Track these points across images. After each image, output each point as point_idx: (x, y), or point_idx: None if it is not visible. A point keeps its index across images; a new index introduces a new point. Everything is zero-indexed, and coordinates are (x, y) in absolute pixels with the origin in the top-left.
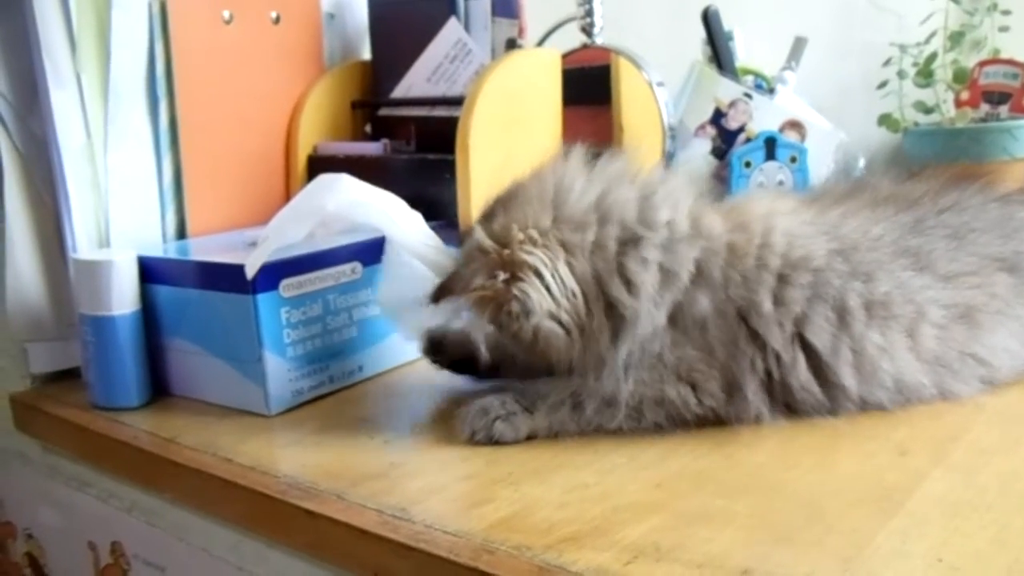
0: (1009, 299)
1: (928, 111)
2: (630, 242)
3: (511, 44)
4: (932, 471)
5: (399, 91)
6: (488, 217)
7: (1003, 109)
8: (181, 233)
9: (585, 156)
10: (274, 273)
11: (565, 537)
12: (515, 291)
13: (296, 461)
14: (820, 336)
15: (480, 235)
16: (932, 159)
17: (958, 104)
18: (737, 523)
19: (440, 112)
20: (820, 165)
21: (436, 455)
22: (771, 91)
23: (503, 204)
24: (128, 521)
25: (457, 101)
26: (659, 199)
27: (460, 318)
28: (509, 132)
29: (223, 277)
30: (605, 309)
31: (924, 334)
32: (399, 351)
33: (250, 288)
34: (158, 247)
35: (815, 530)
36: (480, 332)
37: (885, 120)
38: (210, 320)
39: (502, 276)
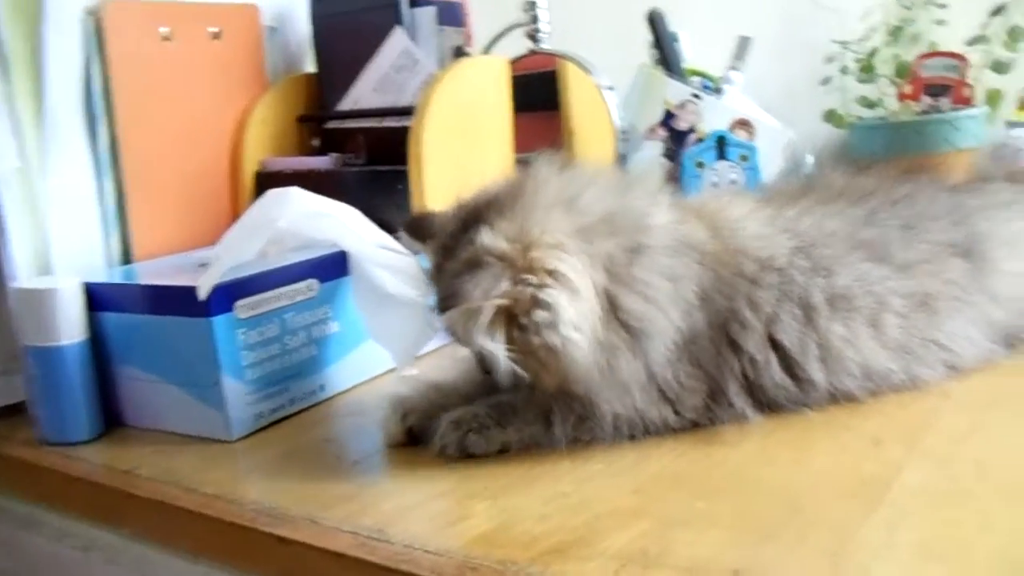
0: (964, 285)
1: (871, 106)
2: (635, 251)
3: (459, 52)
4: (908, 460)
5: (346, 103)
6: (478, 221)
7: (944, 101)
8: (126, 258)
9: (578, 164)
10: (228, 294)
11: (549, 549)
12: (544, 297)
13: (263, 486)
14: (788, 334)
15: (491, 237)
16: (877, 153)
17: (900, 98)
18: (721, 524)
19: (390, 123)
20: (770, 163)
21: (408, 473)
22: (718, 91)
23: (499, 209)
24: (85, 561)
25: (407, 111)
26: (646, 202)
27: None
28: (461, 141)
29: (175, 301)
30: (622, 324)
31: (887, 323)
32: (360, 368)
33: (204, 311)
34: (103, 273)
35: (799, 526)
36: (498, 349)
37: (830, 116)
38: (163, 346)
39: (533, 280)
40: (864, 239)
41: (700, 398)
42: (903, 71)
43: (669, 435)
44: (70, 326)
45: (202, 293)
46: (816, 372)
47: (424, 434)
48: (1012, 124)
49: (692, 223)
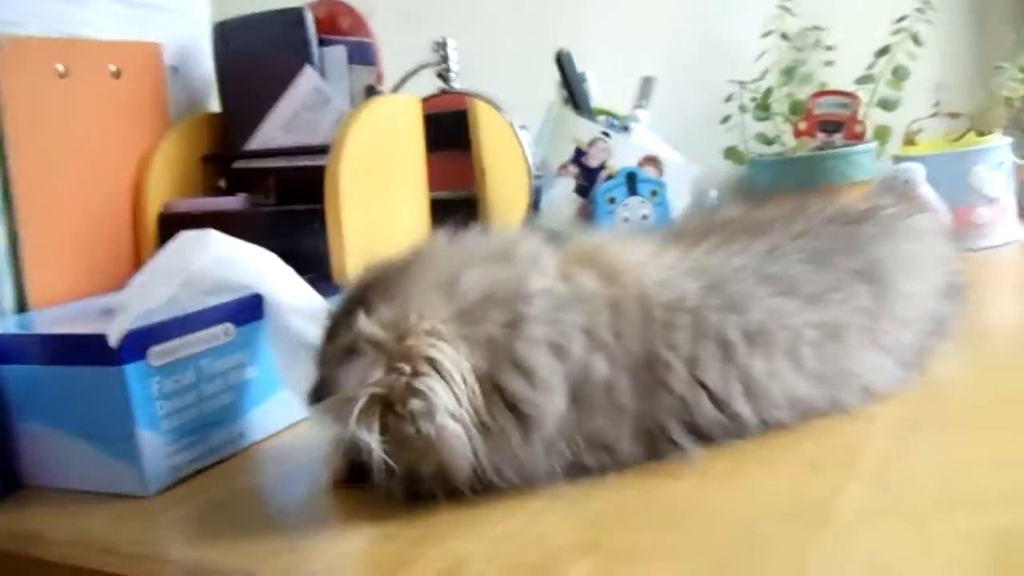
0: (872, 310)
1: (769, 142)
2: (514, 325)
3: (371, 91)
4: (846, 483)
5: (255, 143)
6: (362, 303)
7: (837, 137)
8: (21, 306)
9: (454, 234)
10: (140, 340)
11: None
12: (418, 385)
13: (188, 542)
14: (711, 373)
15: (366, 324)
16: (777, 187)
17: (796, 134)
18: (673, 557)
19: (301, 162)
20: (678, 198)
21: (346, 518)
22: (626, 129)
23: (383, 290)
24: None
25: (320, 150)
26: (525, 265)
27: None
28: (376, 179)
29: (82, 349)
30: (507, 406)
31: (803, 355)
32: (279, 414)
33: (115, 359)
34: None
35: (750, 553)
36: (372, 439)
37: (730, 153)
38: (69, 399)
39: (407, 369)
40: (769, 274)
41: (633, 440)
42: (797, 108)
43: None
44: None
45: (114, 340)
46: (743, 407)
47: (366, 470)
48: (899, 158)
49: (582, 274)
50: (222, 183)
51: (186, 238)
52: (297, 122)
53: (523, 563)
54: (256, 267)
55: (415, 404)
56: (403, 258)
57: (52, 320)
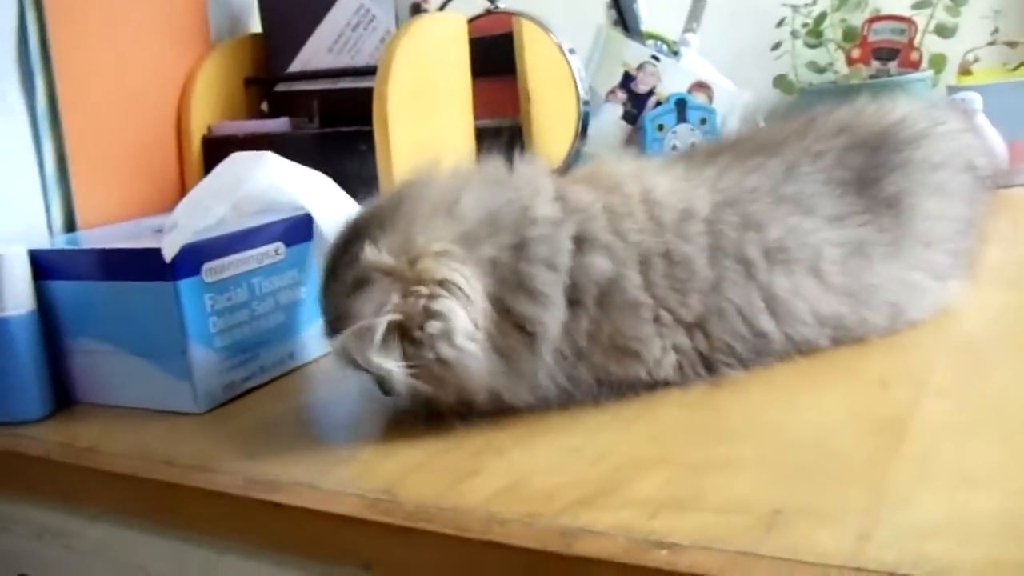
0: (896, 235)
1: (821, 71)
2: (520, 247)
3: (416, 9)
4: (920, 399)
5: (297, 65)
6: (360, 237)
7: (892, 65)
8: (69, 226)
9: (457, 163)
10: (194, 257)
11: (574, 501)
12: (436, 307)
13: (245, 456)
14: (731, 289)
15: (373, 252)
16: None
17: (850, 62)
18: (749, 467)
19: (346, 84)
20: (727, 126)
21: (403, 434)
22: (675, 54)
23: (381, 221)
24: (36, 549)
25: (365, 71)
26: (528, 192)
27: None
28: (423, 101)
29: (137, 264)
30: (514, 326)
31: (826, 271)
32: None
33: (170, 274)
34: (45, 241)
35: (829, 464)
36: (395, 367)
37: (780, 82)
38: (122, 315)
39: (424, 291)
40: (787, 194)
41: (658, 346)
42: (851, 35)
43: (669, 388)
44: (15, 296)
45: (168, 254)
46: (767, 323)
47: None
48: (954, 88)
49: (575, 189)
50: (264, 106)
51: (239, 158)
52: (342, 42)
53: (590, 477)
54: (308, 189)
55: (434, 326)
56: (395, 192)
57: (101, 239)
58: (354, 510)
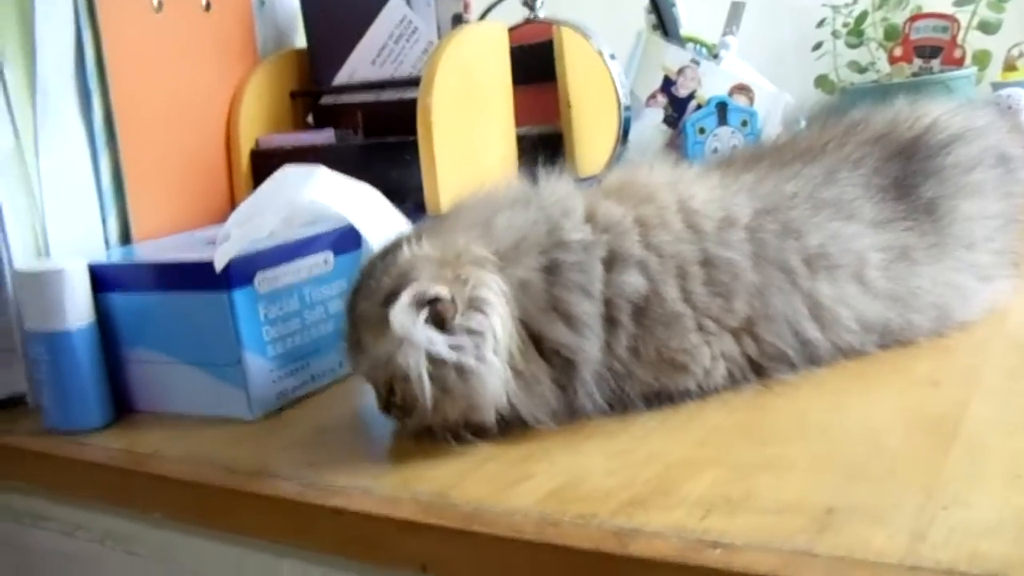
0: (937, 240)
1: (862, 70)
2: (552, 271)
3: (457, 20)
4: (970, 399)
5: (341, 77)
6: (403, 243)
7: (935, 63)
8: (125, 238)
9: (491, 183)
10: (247, 267)
11: (627, 501)
12: (481, 295)
13: (301, 462)
14: (775, 297)
15: (414, 248)
16: None
17: (892, 61)
18: (799, 467)
19: (389, 96)
20: (769, 128)
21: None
22: (715, 57)
23: (423, 231)
24: (100, 553)
25: (407, 82)
26: (556, 213)
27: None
28: (466, 110)
29: (190, 276)
30: (541, 353)
31: (870, 276)
32: None
33: (223, 285)
34: (103, 254)
35: (882, 464)
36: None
37: (821, 82)
38: (177, 325)
39: (470, 278)
40: (827, 199)
41: (706, 353)
42: (892, 34)
43: (710, 395)
44: (77, 309)
45: (219, 264)
46: (812, 331)
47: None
48: (998, 84)
49: (604, 205)
50: (310, 119)
51: (290, 171)
52: (385, 54)
53: (641, 478)
54: (355, 203)
55: (475, 319)
56: (433, 216)
57: (156, 251)
58: (410, 513)
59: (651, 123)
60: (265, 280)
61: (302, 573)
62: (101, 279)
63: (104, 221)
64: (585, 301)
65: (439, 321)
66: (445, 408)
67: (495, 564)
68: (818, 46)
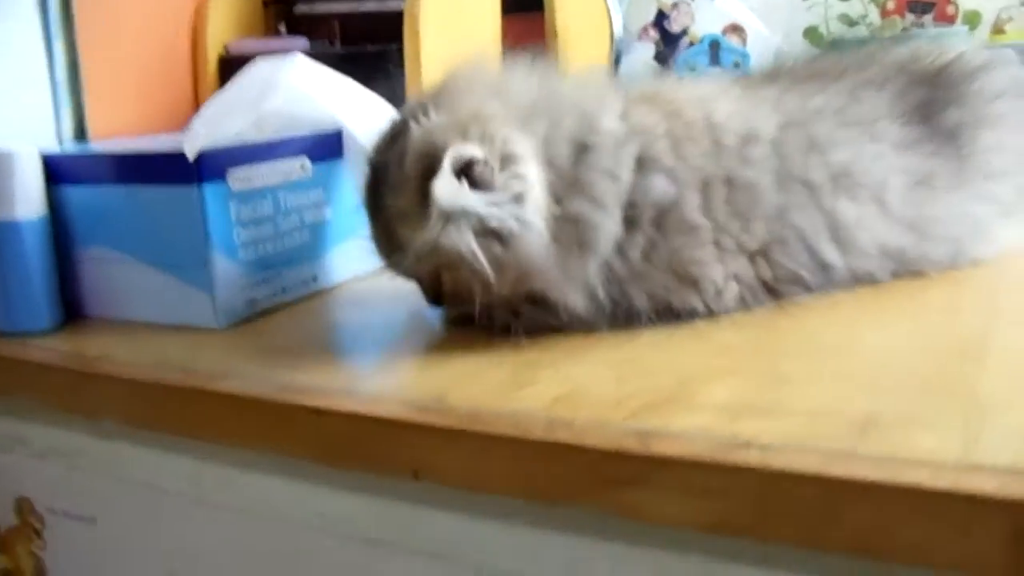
0: (960, 168)
1: (852, 23)
2: (581, 152)
3: None
4: (995, 324)
5: None
6: (404, 127)
7: (927, 19)
8: (79, 136)
9: (503, 58)
10: (219, 161)
11: (642, 407)
12: (512, 149)
13: (275, 366)
14: (796, 214)
15: (426, 122)
16: None
17: (884, 14)
18: (827, 380)
19: (370, 6)
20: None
21: (443, 350)
22: None
23: (429, 105)
24: (40, 470)
25: None
26: (595, 102)
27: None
28: (452, 26)
29: (158, 168)
30: (564, 218)
31: (890, 200)
32: (353, 262)
33: (195, 177)
34: (54, 149)
35: (917, 380)
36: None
37: (810, 33)
38: (138, 222)
39: (498, 139)
40: (852, 117)
41: (720, 272)
42: None
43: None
44: (28, 199)
45: (190, 153)
46: (831, 253)
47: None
48: (987, 46)
49: (640, 109)
50: (282, 28)
51: (265, 63)
52: None
53: (654, 386)
54: (342, 97)
55: (512, 184)
56: (437, 84)
57: (114, 149)
58: (401, 414)
59: (641, 58)
60: (238, 178)
61: (269, 484)
62: (54, 170)
63: (57, 115)
64: (611, 187)
65: (475, 186)
66: (498, 283)
67: (497, 468)
68: None
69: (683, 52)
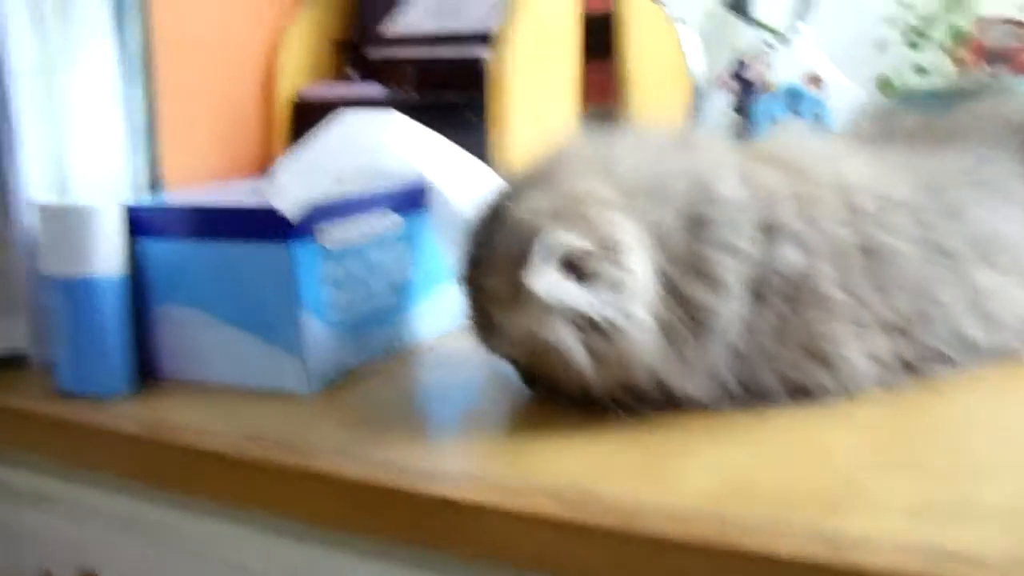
0: None
1: (925, 74)
2: (696, 226)
3: None
4: None
5: (394, 28)
6: (504, 208)
7: (1003, 70)
8: (152, 186)
9: (603, 126)
10: (310, 218)
11: (818, 503)
12: (618, 236)
13: (380, 442)
14: (938, 285)
15: (528, 203)
16: None
17: (958, 65)
18: (1005, 470)
19: (447, 51)
20: (839, 123)
21: (554, 425)
22: (785, 43)
23: (534, 183)
24: (116, 542)
25: (472, 37)
26: (709, 166)
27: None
28: (537, 75)
29: (246, 223)
30: (681, 307)
31: None
32: (436, 320)
33: (285, 234)
34: (128, 198)
35: None
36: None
37: (882, 82)
38: (223, 280)
39: (600, 226)
40: (984, 178)
41: (856, 348)
42: (959, 38)
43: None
44: (109, 254)
45: (290, 213)
46: (974, 328)
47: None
48: None
49: (762, 171)
50: (351, 72)
51: (354, 119)
52: (445, 6)
53: (818, 479)
54: (438, 157)
55: (612, 272)
56: (538, 163)
57: (190, 201)
58: (543, 506)
59: (719, 107)
60: (328, 235)
61: (370, 571)
62: (133, 223)
63: (132, 161)
64: (733, 263)
65: (576, 276)
66: (597, 375)
67: (657, 572)
68: (882, 44)
69: (761, 101)
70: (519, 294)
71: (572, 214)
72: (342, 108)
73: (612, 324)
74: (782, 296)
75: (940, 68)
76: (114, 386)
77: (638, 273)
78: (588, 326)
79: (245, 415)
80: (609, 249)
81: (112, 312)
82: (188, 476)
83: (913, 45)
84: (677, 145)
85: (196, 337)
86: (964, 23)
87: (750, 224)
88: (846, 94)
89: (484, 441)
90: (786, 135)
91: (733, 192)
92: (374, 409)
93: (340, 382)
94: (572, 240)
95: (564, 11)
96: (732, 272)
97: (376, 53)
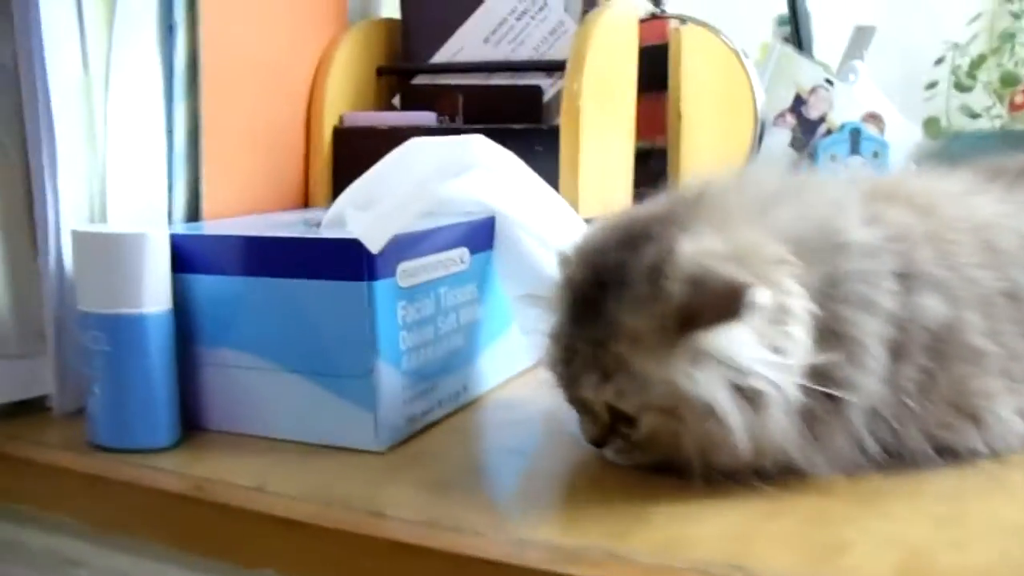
0: None
1: (975, 116)
2: (828, 283)
3: (591, 2)
4: None
5: (443, 55)
6: (658, 234)
7: None
8: (192, 215)
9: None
10: (390, 253)
11: None
12: (791, 304)
13: (481, 510)
14: None
15: (696, 242)
16: None
17: (1013, 108)
18: None
19: (500, 81)
20: (898, 163)
21: (675, 490)
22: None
23: (682, 221)
24: None
25: (529, 66)
26: (829, 208)
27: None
28: (605, 106)
29: (315, 258)
30: (814, 376)
31: None
32: (501, 366)
33: (365, 272)
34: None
35: None
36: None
37: (930, 124)
38: (283, 321)
39: (778, 289)
40: None
41: (1011, 404)
42: (1009, 80)
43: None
44: (156, 288)
45: (374, 245)
46: None
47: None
48: None
49: (889, 211)
50: (396, 100)
51: (427, 145)
52: (502, 31)
53: (1001, 553)
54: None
55: (794, 332)
56: (678, 198)
57: (242, 231)
58: None
59: (778, 144)
60: (407, 272)
61: None
62: (180, 254)
63: (172, 185)
64: (870, 322)
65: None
66: (730, 447)
67: None
68: (932, 85)
69: (821, 139)
70: (667, 338)
71: (754, 268)
72: (389, 135)
73: (763, 393)
74: (927, 351)
75: (988, 109)
76: (157, 438)
77: (801, 344)
78: (738, 391)
79: (308, 473)
80: (782, 312)
81: (159, 353)
82: (240, 542)
83: (960, 87)
84: (793, 186)
85: (246, 385)
86: (1012, 65)
87: (886, 273)
88: (904, 134)
89: (596, 508)
90: (903, 173)
91: (861, 235)
92: (453, 470)
93: (409, 437)
94: (767, 298)
95: (628, 40)
96: (869, 333)
97: (423, 80)
